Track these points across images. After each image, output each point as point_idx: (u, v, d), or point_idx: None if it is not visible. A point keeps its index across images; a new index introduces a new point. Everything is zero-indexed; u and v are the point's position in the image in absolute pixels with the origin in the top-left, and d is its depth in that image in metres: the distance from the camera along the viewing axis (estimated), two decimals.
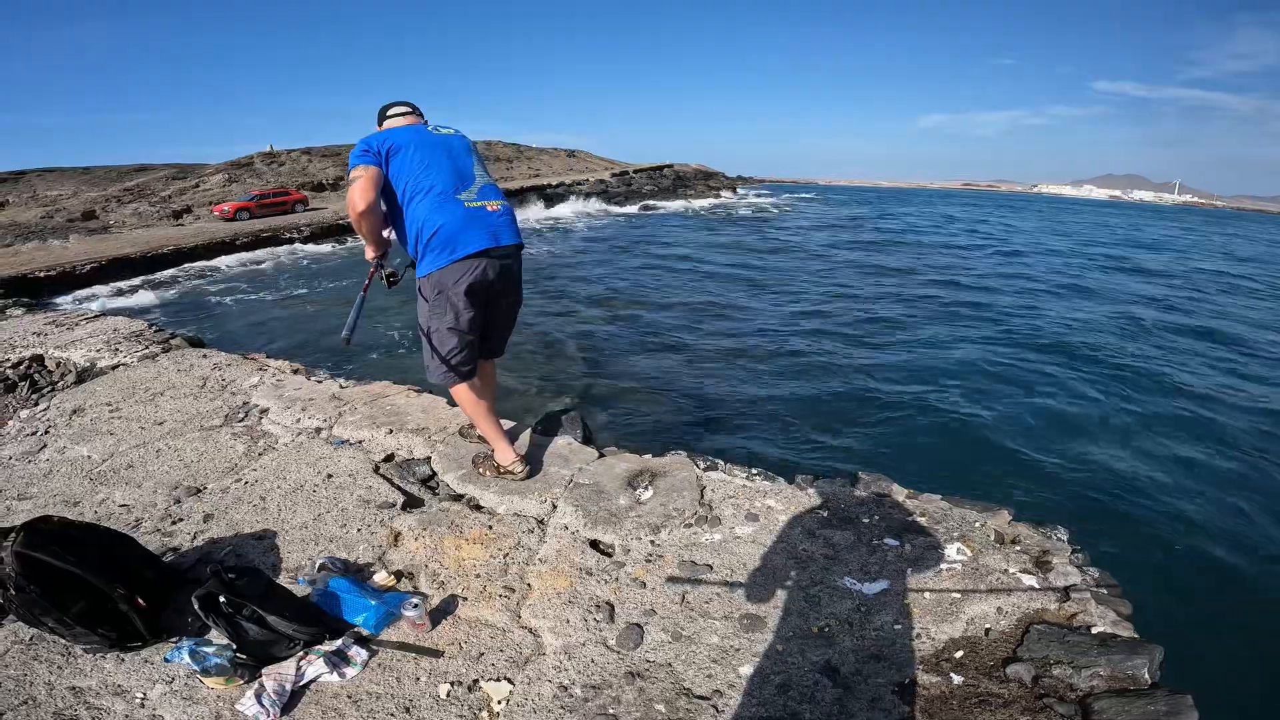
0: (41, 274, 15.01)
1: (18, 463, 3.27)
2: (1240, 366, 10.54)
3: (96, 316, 6.12)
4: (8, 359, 4.80)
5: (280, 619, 1.98)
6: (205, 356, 4.82)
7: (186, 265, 18.91)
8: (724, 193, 57.97)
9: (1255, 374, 10.13)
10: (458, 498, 2.91)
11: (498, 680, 1.93)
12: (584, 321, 12.29)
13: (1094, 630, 2.05)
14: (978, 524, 2.61)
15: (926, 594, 2.25)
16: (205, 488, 3.00)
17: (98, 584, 1.96)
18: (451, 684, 1.91)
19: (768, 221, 36.47)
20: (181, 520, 2.74)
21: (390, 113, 2.82)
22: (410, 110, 2.84)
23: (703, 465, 3.10)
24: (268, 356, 4.86)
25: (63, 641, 2.00)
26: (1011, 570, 2.33)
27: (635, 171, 55.22)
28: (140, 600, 2.03)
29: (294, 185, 30.71)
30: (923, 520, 2.65)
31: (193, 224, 25.78)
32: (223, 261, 19.70)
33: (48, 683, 1.90)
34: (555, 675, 1.95)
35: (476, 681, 1.93)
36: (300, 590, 2.25)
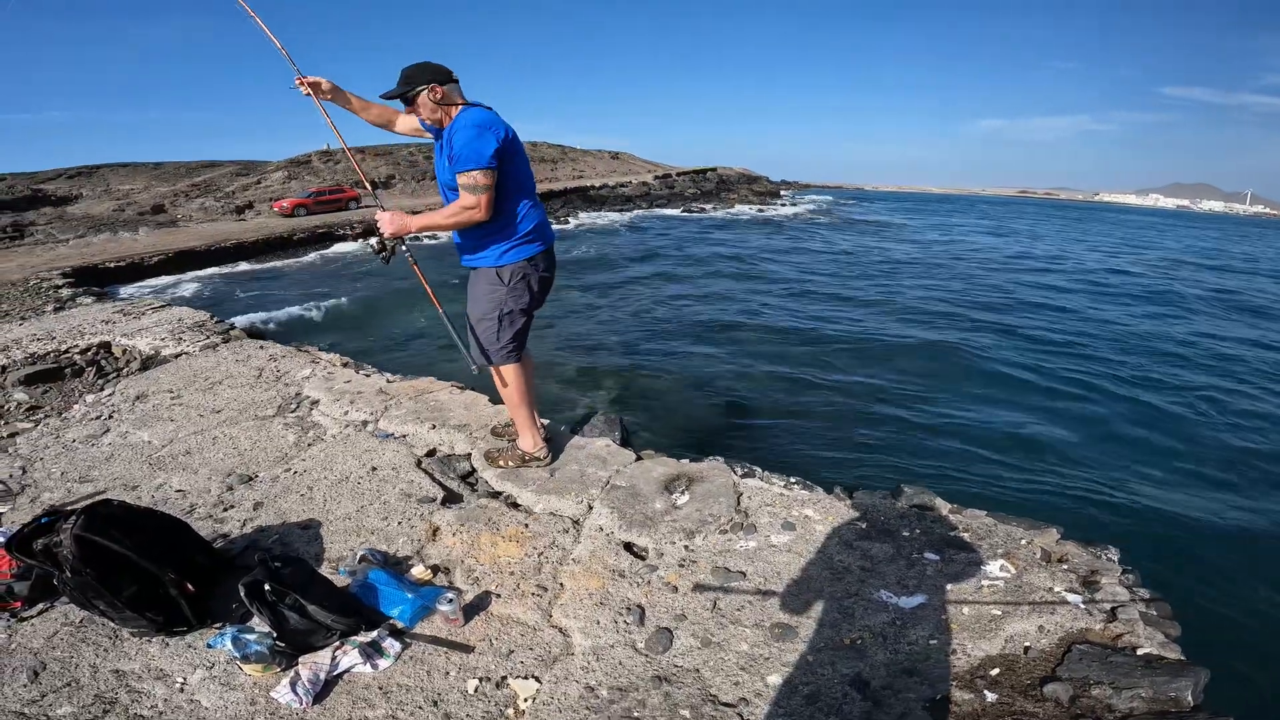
0: (111, 265, 15.70)
1: (81, 445, 3.44)
2: None
3: (162, 306, 6.39)
4: (76, 345, 5.05)
5: (320, 609, 2.04)
6: (262, 348, 4.99)
7: (247, 258, 19.61)
8: (769, 199, 57.30)
9: None
10: (496, 495, 2.95)
11: (525, 678, 1.95)
12: (623, 321, 12.31)
13: (1139, 651, 1.97)
14: (1024, 541, 2.53)
15: (965, 610, 2.19)
16: (257, 476, 3.11)
17: (151, 569, 2.04)
18: (480, 680, 1.94)
19: (815, 229, 35.98)
20: (233, 507, 2.85)
21: (456, 81, 2.61)
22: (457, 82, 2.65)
23: (740, 472, 3.08)
24: (320, 349, 5.01)
25: (110, 624, 2.09)
26: (1056, 589, 2.25)
27: (678, 174, 55.22)
28: (189, 586, 2.11)
29: (349, 183, 31.50)
30: (965, 535, 2.58)
31: (254, 219, 26.75)
32: (281, 256, 20.39)
33: (92, 665, 1.99)
34: (583, 676, 1.96)
35: (505, 679, 1.95)
36: (341, 580, 2.31)
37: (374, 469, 3.12)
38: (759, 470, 3.13)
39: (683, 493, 2.89)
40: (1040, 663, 1.99)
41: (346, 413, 3.76)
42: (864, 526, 2.67)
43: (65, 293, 9.26)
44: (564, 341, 10.70)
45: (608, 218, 35.13)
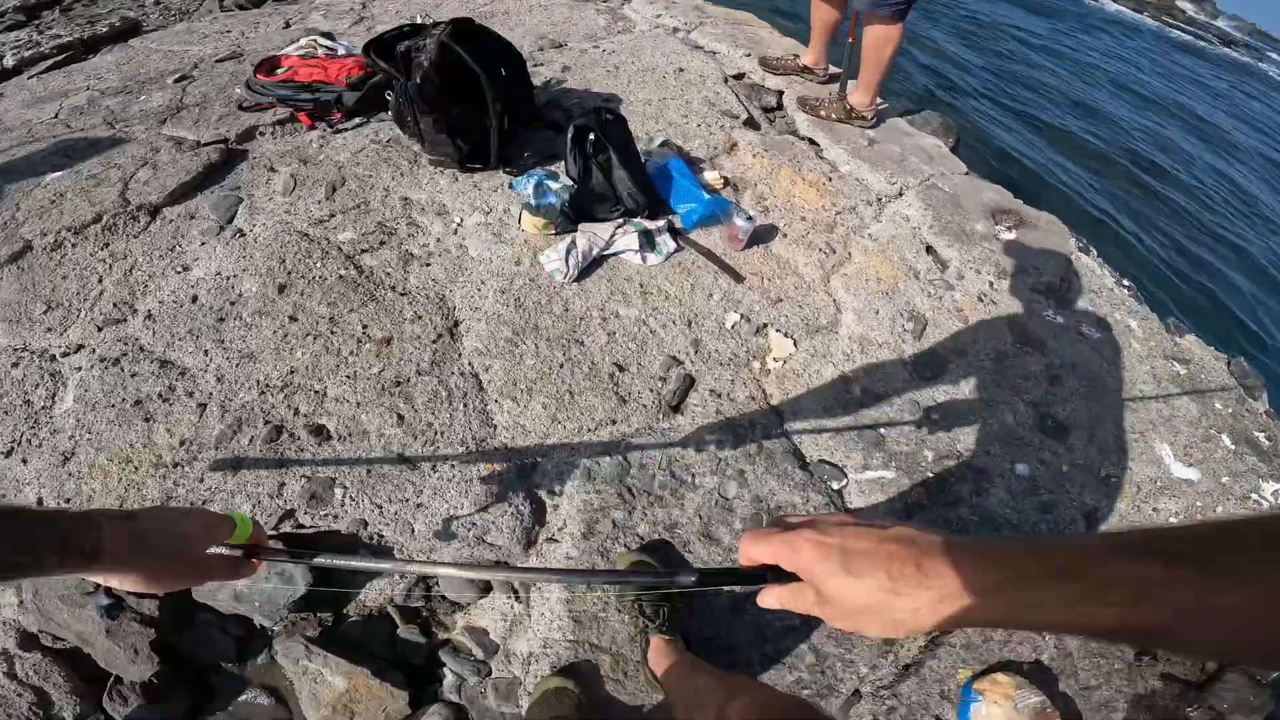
0: None
1: None
2: None
3: None
4: None
5: (625, 176, 1.94)
6: None
7: None
8: None
9: None
10: (801, 138, 2.63)
11: (786, 335, 1.79)
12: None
13: None
14: None
15: None
16: (566, 44, 3.05)
17: (486, 93, 1.97)
18: (741, 317, 1.81)
19: None
20: (542, 65, 2.80)
21: None
22: None
23: (1077, 244, 2.44)
24: None
25: (414, 149, 2.11)
26: None
27: None
28: (506, 123, 2.05)
29: None
30: None
31: None
32: None
33: (385, 188, 2.05)
34: (841, 361, 1.77)
35: (766, 327, 1.81)
36: None
37: (681, 70, 2.86)
38: (1094, 251, 2.47)
39: (1009, 230, 2.38)
40: None
41: (659, 15, 3.53)
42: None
43: None
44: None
45: None
